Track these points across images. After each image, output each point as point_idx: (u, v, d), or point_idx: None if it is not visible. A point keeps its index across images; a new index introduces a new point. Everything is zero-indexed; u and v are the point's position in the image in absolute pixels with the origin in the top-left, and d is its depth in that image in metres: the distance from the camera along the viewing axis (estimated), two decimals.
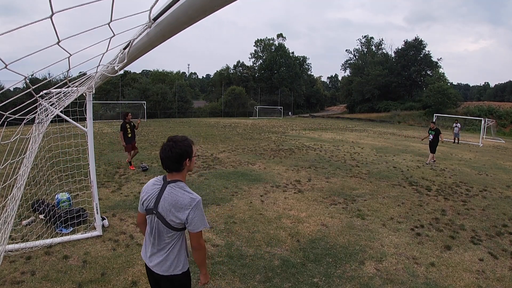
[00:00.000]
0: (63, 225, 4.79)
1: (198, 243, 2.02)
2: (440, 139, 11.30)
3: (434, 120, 12.45)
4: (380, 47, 62.78)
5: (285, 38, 63.70)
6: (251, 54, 62.73)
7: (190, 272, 2.22)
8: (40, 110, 3.04)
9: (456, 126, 20.15)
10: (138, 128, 9.08)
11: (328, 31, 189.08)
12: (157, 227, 2.03)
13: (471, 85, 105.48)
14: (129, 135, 8.78)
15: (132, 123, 8.93)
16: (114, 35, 1.43)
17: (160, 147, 2.03)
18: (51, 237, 4.42)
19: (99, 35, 1.53)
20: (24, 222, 4.89)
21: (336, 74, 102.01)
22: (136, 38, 1.91)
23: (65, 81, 2.40)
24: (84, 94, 4.24)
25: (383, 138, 20.07)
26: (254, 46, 62.94)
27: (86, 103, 4.40)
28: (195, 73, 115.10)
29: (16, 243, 4.12)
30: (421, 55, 52.93)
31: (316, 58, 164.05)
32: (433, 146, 11.41)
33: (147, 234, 2.15)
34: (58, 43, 1.19)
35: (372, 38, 63.96)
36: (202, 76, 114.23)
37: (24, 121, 2.40)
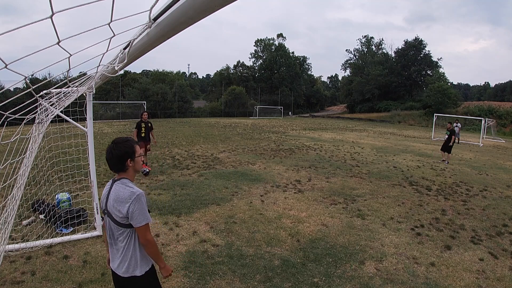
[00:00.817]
0: (63, 225, 4.79)
1: (144, 239, 1.99)
2: (451, 140, 11.68)
3: (450, 121, 12.88)
4: (380, 47, 62.73)
5: (285, 38, 63.70)
6: (251, 54, 62.76)
7: (154, 271, 2.20)
8: (40, 110, 3.04)
9: (456, 126, 20.13)
10: (154, 131, 9.33)
11: (328, 31, 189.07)
12: (110, 227, 2.07)
13: (471, 85, 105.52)
14: (143, 134, 8.83)
15: (149, 123, 9.02)
16: (114, 35, 1.44)
17: (106, 149, 2.07)
18: (51, 237, 4.42)
19: (99, 35, 1.54)
20: (24, 222, 4.90)
21: (336, 74, 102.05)
22: (136, 38, 1.91)
23: (65, 81, 2.40)
24: (84, 94, 4.24)
25: (383, 138, 20.06)
26: (254, 46, 62.96)
27: (86, 103, 4.40)
28: (195, 73, 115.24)
29: (16, 243, 4.13)
30: (421, 55, 52.89)
31: (316, 58, 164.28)
32: (445, 145, 11.82)
33: (108, 238, 2.13)
34: (58, 43, 1.19)
35: (372, 38, 63.90)
36: (202, 76, 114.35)
37: (24, 121, 2.40)
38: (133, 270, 2.04)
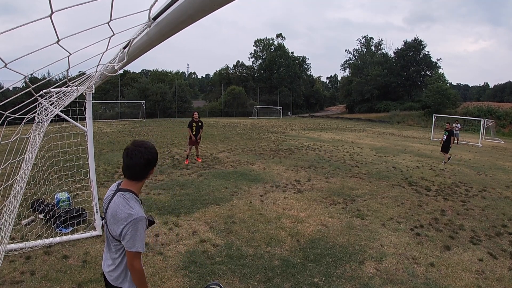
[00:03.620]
0: (63, 224, 4.79)
1: (131, 265, 1.81)
2: (451, 140, 11.77)
3: (448, 122, 12.97)
4: (379, 47, 62.74)
5: (284, 38, 63.66)
6: (250, 54, 62.72)
7: None
8: (40, 109, 3.03)
9: (456, 127, 20.15)
10: (202, 129, 10.20)
11: (328, 31, 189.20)
12: (107, 234, 1.95)
13: (470, 86, 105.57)
14: (194, 132, 9.86)
15: (199, 122, 9.98)
16: (114, 34, 1.43)
17: (125, 150, 1.81)
18: (51, 237, 4.41)
19: (98, 34, 1.53)
20: (23, 222, 4.89)
21: (335, 74, 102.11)
22: (136, 37, 1.91)
23: (64, 80, 2.39)
24: (83, 94, 4.24)
25: (382, 138, 20.08)
26: (253, 46, 62.92)
27: (85, 103, 4.40)
28: (194, 73, 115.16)
29: (16, 242, 4.12)
30: (420, 56, 52.90)
31: (315, 58, 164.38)
32: (444, 146, 11.89)
33: (106, 240, 2.05)
34: (57, 42, 1.19)
35: (371, 38, 63.91)
36: (202, 76, 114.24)
37: (24, 121, 2.39)
38: (121, 282, 1.93)
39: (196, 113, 10.28)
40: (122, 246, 1.84)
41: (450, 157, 12.02)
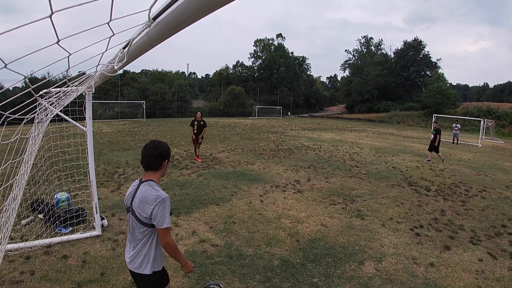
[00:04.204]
0: (62, 224, 4.78)
1: (164, 241, 2.09)
2: (437, 139, 11.71)
3: (435, 120, 12.99)
4: (379, 47, 62.71)
5: (284, 38, 63.60)
6: (250, 54, 62.68)
7: (162, 274, 2.29)
8: (39, 109, 3.03)
9: (455, 127, 20.14)
10: (204, 129, 10.66)
11: (328, 31, 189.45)
12: (132, 224, 2.19)
13: (470, 86, 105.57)
14: (195, 131, 10.30)
15: (201, 122, 10.41)
16: (114, 34, 1.43)
17: (144, 147, 2.19)
18: (50, 237, 4.41)
19: (98, 34, 1.53)
20: (23, 222, 4.88)
21: (335, 74, 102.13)
22: (136, 37, 1.91)
23: (64, 80, 2.39)
24: (83, 94, 4.24)
25: (382, 139, 20.08)
26: (253, 46, 62.87)
27: (85, 103, 4.39)
28: (194, 73, 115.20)
29: (15, 242, 4.12)
30: (420, 56, 52.90)
31: (315, 58, 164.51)
32: (431, 145, 11.91)
33: (128, 233, 2.28)
34: (57, 42, 1.19)
35: (371, 38, 63.87)
36: (202, 76, 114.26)
37: (24, 121, 2.39)
38: (144, 268, 2.16)
39: (199, 112, 10.81)
40: (148, 231, 2.12)
41: (443, 159, 11.97)
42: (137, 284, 2.29)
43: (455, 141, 19.98)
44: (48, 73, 25.92)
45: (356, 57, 65.35)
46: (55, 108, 3.33)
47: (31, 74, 1.77)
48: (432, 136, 11.85)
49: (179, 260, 2.23)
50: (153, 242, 2.17)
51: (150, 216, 2.05)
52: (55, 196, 5.60)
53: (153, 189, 2.09)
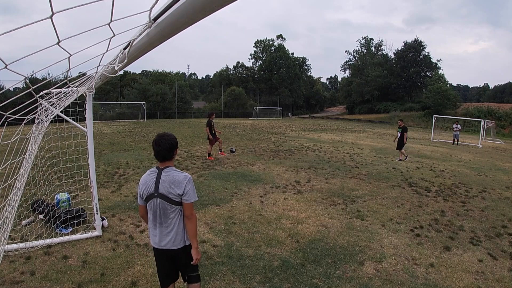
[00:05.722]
0: (63, 225, 4.79)
1: (190, 213, 2.41)
2: (404, 137, 11.90)
3: (401, 118, 13.16)
4: (379, 48, 62.79)
5: (284, 39, 63.79)
6: (250, 55, 62.83)
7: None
8: (40, 110, 3.04)
9: (456, 127, 20.13)
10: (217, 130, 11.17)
11: (328, 32, 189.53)
12: (161, 207, 2.41)
13: (470, 86, 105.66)
14: (213, 131, 10.76)
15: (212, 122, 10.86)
16: (114, 35, 1.44)
17: (153, 142, 2.47)
18: (51, 237, 4.41)
19: (99, 35, 1.54)
20: (23, 222, 4.89)
21: (335, 75, 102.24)
22: (136, 38, 1.91)
23: (65, 81, 2.40)
24: (84, 94, 4.24)
25: (382, 139, 20.07)
26: (253, 46, 63.05)
27: (86, 103, 4.40)
28: (194, 74, 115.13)
29: (16, 243, 4.12)
30: (420, 57, 52.92)
31: (315, 59, 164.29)
32: (399, 143, 12.06)
33: (151, 221, 2.49)
34: (58, 43, 1.19)
35: (371, 39, 63.95)
36: (202, 77, 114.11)
37: (24, 121, 2.40)
38: (183, 241, 2.46)
39: (214, 113, 11.41)
40: (178, 209, 2.41)
41: (406, 156, 12.09)
42: (179, 258, 2.52)
43: (455, 142, 19.97)
44: (49, 74, 25.92)
45: (356, 58, 65.41)
46: (56, 108, 3.33)
47: (31, 75, 1.77)
48: (399, 134, 12.03)
49: (193, 239, 2.46)
50: (182, 218, 2.45)
51: (182, 194, 2.35)
52: (55, 197, 5.61)
53: (179, 172, 2.43)
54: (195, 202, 2.44)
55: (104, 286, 3.43)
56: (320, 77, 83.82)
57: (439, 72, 50.46)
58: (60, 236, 4.51)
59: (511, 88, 69.71)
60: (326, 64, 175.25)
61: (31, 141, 3.01)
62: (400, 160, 12.03)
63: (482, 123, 21.74)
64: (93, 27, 1.30)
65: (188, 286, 2.67)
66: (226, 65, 65.85)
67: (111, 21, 1.24)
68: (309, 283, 3.63)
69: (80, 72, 3.25)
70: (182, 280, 2.77)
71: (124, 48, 2.15)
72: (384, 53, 60.36)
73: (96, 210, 4.56)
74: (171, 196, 2.36)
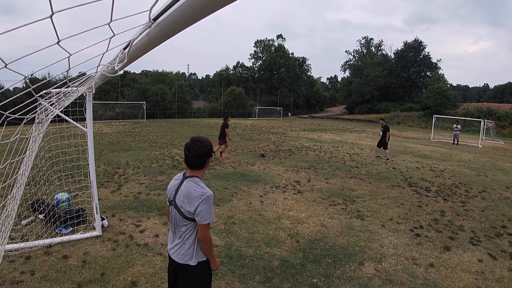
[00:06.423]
0: (63, 225, 4.79)
1: (203, 235, 2.16)
2: (386, 136, 12.07)
3: (382, 118, 13.46)
4: (379, 48, 62.80)
5: (284, 39, 63.79)
6: (250, 55, 62.87)
7: (208, 263, 2.31)
8: (40, 110, 3.04)
9: (456, 128, 20.13)
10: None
11: (328, 32, 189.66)
12: (175, 217, 2.26)
13: (470, 86, 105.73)
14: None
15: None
16: (114, 35, 1.44)
17: (185, 146, 2.23)
18: (51, 237, 4.41)
19: (99, 35, 1.54)
20: (23, 222, 4.89)
21: (335, 75, 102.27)
22: (136, 38, 1.91)
23: (65, 81, 2.40)
24: (84, 94, 4.24)
25: None
26: (253, 46, 63.08)
27: (86, 103, 4.40)
28: (194, 74, 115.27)
29: (16, 243, 4.12)
30: (420, 57, 52.90)
31: (315, 59, 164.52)
32: (380, 141, 12.29)
33: (170, 224, 2.36)
34: (58, 43, 1.19)
35: (371, 39, 63.98)
36: (202, 77, 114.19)
37: (24, 121, 2.40)
38: (188, 259, 2.22)
39: (229, 116, 11.76)
40: (191, 224, 2.20)
41: (388, 158, 11.97)
42: (179, 274, 2.29)
43: (455, 142, 19.97)
44: (49, 74, 25.98)
45: (356, 58, 65.42)
46: (56, 108, 3.33)
47: (31, 75, 1.77)
48: (381, 133, 12.26)
49: (210, 256, 2.29)
50: (195, 235, 2.24)
51: (193, 212, 2.12)
52: (55, 197, 5.61)
53: (199, 186, 2.17)
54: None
55: (104, 286, 3.43)
56: (320, 77, 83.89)
57: (439, 72, 50.43)
58: (60, 236, 4.51)
59: (511, 88, 69.77)
60: (326, 64, 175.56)
61: (31, 140, 3.01)
62: (377, 157, 12.33)
63: (482, 123, 21.74)
64: (93, 27, 1.30)
65: None
66: (226, 65, 66.02)
67: (111, 21, 1.24)
68: (309, 283, 3.63)
69: (80, 72, 3.26)
70: None
71: (124, 48, 2.15)
72: (384, 53, 60.37)
73: (96, 210, 4.56)
74: (183, 210, 2.17)
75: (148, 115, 33.84)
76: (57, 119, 4.11)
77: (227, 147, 11.83)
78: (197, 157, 2.18)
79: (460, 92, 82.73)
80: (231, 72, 60.38)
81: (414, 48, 52.81)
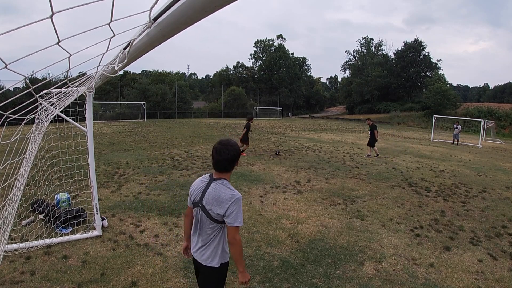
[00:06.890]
0: (63, 225, 4.79)
1: (233, 238, 2.14)
2: (375, 135, 12.57)
3: (368, 118, 13.99)
4: (379, 48, 62.84)
5: (284, 39, 63.82)
6: (250, 55, 62.93)
7: (228, 266, 2.34)
8: (40, 110, 3.04)
9: (456, 128, 20.13)
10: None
11: (328, 32, 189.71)
12: (201, 219, 2.24)
13: (470, 87, 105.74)
14: (250, 134, 11.92)
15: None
16: (114, 35, 1.44)
17: (214, 149, 2.20)
18: (51, 237, 4.41)
19: (99, 35, 1.54)
20: (23, 222, 4.89)
21: (335, 75, 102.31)
22: (136, 38, 1.91)
23: (65, 81, 2.40)
24: (84, 94, 4.24)
25: (382, 139, 20.06)
26: (254, 46, 63.14)
27: (86, 103, 4.40)
28: (194, 74, 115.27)
29: (16, 243, 4.12)
30: (420, 57, 52.92)
31: (315, 59, 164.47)
32: (370, 140, 12.74)
33: (193, 226, 2.35)
34: (58, 43, 1.19)
35: (371, 39, 64.02)
36: (202, 77, 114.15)
37: (24, 121, 2.40)
38: (211, 260, 2.23)
39: (252, 118, 12.30)
40: (217, 226, 2.20)
41: (378, 154, 12.67)
42: (201, 274, 2.32)
43: (455, 142, 19.97)
44: (49, 74, 25.95)
45: (356, 58, 65.45)
46: (56, 108, 3.33)
47: (31, 75, 1.77)
48: (370, 133, 12.72)
49: (239, 263, 2.23)
50: (222, 236, 2.24)
51: (223, 214, 2.11)
52: (55, 197, 5.61)
53: (228, 188, 2.18)
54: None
55: (104, 286, 3.43)
56: (320, 77, 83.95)
57: (439, 72, 50.47)
58: (60, 236, 4.50)
59: (511, 88, 69.76)
60: (326, 64, 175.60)
61: (31, 141, 3.01)
62: (368, 155, 12.62)
63: (482, 123, 21.75)
64: (93, 27, 1.30)
65: None
66: (226, 65, 66.07)
67: (111, 21, 1.24)
68: (309, 283, 3.63)
69: (80, 72, 3.25)
70: None
71: (124, 48, 2.15)
72: (384, 53, 60.42)
73: (96, 210, 4.56)
74: (212, 213, 2.15)
75: (148, 115, 33.84)
76: (57, 119, 4.11)
77: (247, 147, 12.19)
78: (228, 161, 2.18)
79: (460, 92, 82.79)
80: (231, 72, 60.40)
81: (414, 48, 52.83)
